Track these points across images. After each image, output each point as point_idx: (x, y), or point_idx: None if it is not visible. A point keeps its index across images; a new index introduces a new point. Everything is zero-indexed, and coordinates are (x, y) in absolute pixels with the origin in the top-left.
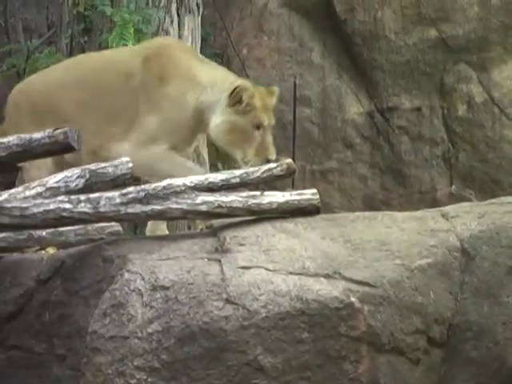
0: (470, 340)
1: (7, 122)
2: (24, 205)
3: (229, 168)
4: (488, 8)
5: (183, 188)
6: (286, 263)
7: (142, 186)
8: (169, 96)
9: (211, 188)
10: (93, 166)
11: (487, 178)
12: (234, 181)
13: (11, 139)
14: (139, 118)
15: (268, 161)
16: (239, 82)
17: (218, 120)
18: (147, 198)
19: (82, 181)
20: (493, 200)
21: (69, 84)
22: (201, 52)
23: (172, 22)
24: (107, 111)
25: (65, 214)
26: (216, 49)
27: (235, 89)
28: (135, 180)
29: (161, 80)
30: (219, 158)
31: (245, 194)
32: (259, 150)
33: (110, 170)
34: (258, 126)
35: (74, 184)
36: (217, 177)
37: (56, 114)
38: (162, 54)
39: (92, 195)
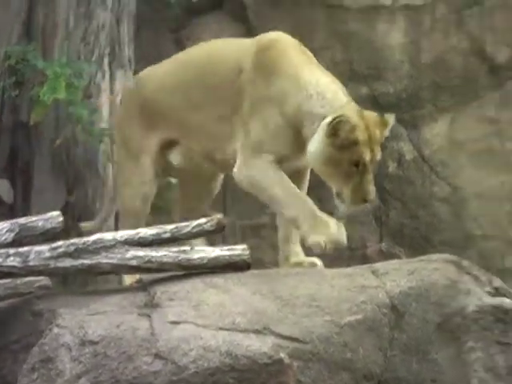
0: None
1: (119, 116)
2: None
3: (160, 222)
4: (418, 66)
5: (113, 243)
6: (216, 318)
7: (72, 240)
8: (271, 95)
9: (141, 243)
10: (22, 220)
11: (417, 235)
12: (164, 236)
13: None
14: (245, 119)
15: (365, 201)
16: (343, 111)
17: (314, 146)
18: (77, 252)
19: (12, 235)
20: (422, 257)
21: (178, 82)
22: None
23: (104, 76)
24: (220, 110)
25: None
26: None
27: (334, 119)
28: (65, 234)
29: (268, 76)
30: (151, 213)
31: (175, 249)
32: (356, 189)
33: (40, 223)
34: (357, 163)
35: (4, 238)
36: (147, 232)
37: (166, 115)
38: (274, 48)
39: (21, 249)
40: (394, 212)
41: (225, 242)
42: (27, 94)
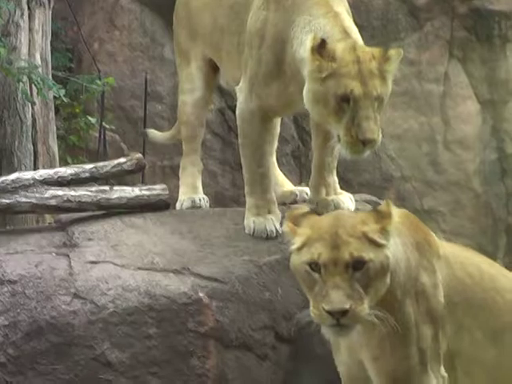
0: (315, 336)
1: (174, 22)
2: None
3: (78, 162)
4: None
5: (32, 182)
6: (135, 258)
7: None
8: (265, 31)
9: (60, 182)
10: None
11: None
12: (83, 175)
13: None
14: (245, 54)
15: (363, 142)
16: (325, 38)
17: (305, 87)
18: None
19: None
20: None
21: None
22: (51, 47)
23: (22, 14)
24: (237, 37)
25: None
26: (67, 43)
27: (313, 42)
28: None
29: (271, 2)
30: (68, 152)
31: (94, 188)
32: (348, 128)
33: None
34: (345, 98)
35: None
36: (66, 171)
37: (201, 33)
38: None
39: None
40: (312, 153)
41: (144, 182)
42: None
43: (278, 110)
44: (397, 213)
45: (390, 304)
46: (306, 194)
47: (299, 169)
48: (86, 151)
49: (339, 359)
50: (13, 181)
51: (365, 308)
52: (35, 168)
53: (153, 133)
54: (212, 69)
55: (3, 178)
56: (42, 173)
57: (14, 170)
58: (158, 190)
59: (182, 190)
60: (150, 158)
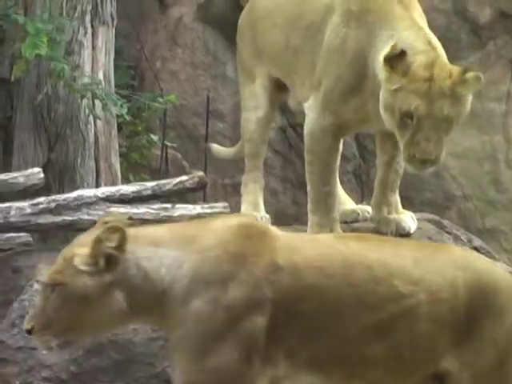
0: None
1: (237, 36)
2: None
3: (140, 180)
4: None
5: (94, 199)
6: None
7: (53, 197)
8: (346, 48)
9: (123, 200)
10: (3, 176)
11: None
12: (145, 193)
13: None
14: (318, 72)
15: (423, 162)
16: (400, 46)
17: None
18: (58, 209)
19: None
20: None
21: (279, 15)
22: (114, 65)
23: (86, 33)
24: (311, 57)
25: None
26: (129, 61)
27: (388, 52)
28: (46, 191)
29: (352, 19)
30: (130, 170)
31: (156, 206)
32: (407, 146)
33: (21, 179)
34: (407, 114)
35: None
36: (128, 189)
37: (266, 53)
38: None
39: (2, 205)
40: (374, 171)
41: (206, 199)
42: (9, 50)
43: (353, 126)
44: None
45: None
46: (368, 212)
47: (360, 187)
48: (148, 169)
49: None
50: (75, 198)
51: None
52: (97, 185)
53: (216, 148)
54: (276, 88)
55: (66, 196)
56: (104, 190)
57: (76, 188)
58: (219, 207)
59: (243, 207)
60: (212, 176)
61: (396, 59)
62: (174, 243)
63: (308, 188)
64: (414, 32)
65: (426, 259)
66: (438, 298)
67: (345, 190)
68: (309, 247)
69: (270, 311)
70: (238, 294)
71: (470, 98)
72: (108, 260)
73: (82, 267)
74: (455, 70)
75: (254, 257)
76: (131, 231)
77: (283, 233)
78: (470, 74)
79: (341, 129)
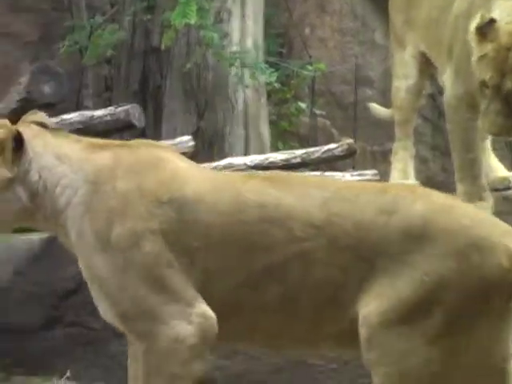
0: None
1: (390, 3)
2: None
3: (289, 148)
4: None
5: (244, 168)
6: None
7: (203, 165)
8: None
9: (271, 168)
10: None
11: None
12: (294, 161)
13: (73, 116)
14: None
15: (496, 134)
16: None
17: None
18: None
19: None
20: None
21: None
22: (263, 32)
23: (235, 1)
24: (446, 27)
25: None
26: (278, 29)
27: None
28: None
29: None
30: (280, 137)
31: (305, 174)
32: (483, 115)
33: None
34: (483, 83)
35: None
36: (277, 157)
37: (416, 24)
38: None
39: None
40: None
41: (355, 167)
42: (158, 19)
43: None
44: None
45: None
46: None
47: (511, 155)
48: (297, 136)
49: None
50: (224, 166)
51: None
52: (246, 153)
53: (375, 107)
54: (426, 58)
55: (215, 164)
56: (253, 158)
57: (225, 156)
58: (368, 175)
59: (393, 175)
60: (361, 143)
61: (486, 27)
62: (75, 164)
63: (452, 156)
64: (509, 2)
65: (342, 201)
66: (341, 244)
67: (497, 157)
68: (204, 182)
69: (162, 241)
70: (123, 230)
71: None
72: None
73: None
74: None
75: (140, 191)
76: (47, 137)
77: (186, 164)
78: None
79: (474, 98)
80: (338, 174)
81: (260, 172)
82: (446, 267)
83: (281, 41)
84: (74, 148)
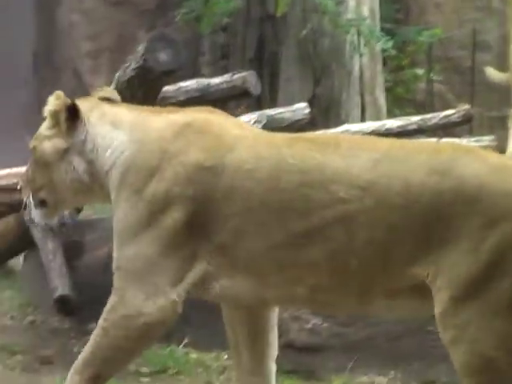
0: None
1: None
2: None
3: (405, 114)
4: None
5: (360, 134)
6: None
7: (320, 132)
8: None
9: (387, 135)
10: (270, 111)
11: None
12: (410, 127)
13: (190, 83)
14: None
15: None
16: None
17: None
18: None
19: (259, 126)
20: None
21: None
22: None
23: None
24: None
25: None
26: None
27: None
28: (312, 125)
29: None
30: (396, 104)
31: (422, 140)
32: None
33: (287, 115)
34: None
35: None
36: (393, 123)
37: None
38: None
39: None
40: None
41: (472, 133)
42: None
43: None
44: None
45: None
46: None
47: None
48: (413, 103)
49: None
50: (341, 133)
51: None
52: (362, 120)
53: (491, 71)
54: None
55: (332, 131)
56: (370, 125)
57: (341, 122)
58: (486, 140)
59: (510, 140)
60: (478, 109)
61: None
62: (128, 127)
63: None
64: None
65: (391, 162)
66: (390, 203)
67: None
68: (248, 149)
69: (192, 209)
70: (157, 189)
71: None
72: (68, 126)
73: (44, 132)
74: None
75: (182, 155)
76: (104, 108)
77: (236, 131)
78: None
79: None
80: (455, 140)
81: (309, 134)
82: (503, 231)
83: (397, 7)
84: (129, 115)
